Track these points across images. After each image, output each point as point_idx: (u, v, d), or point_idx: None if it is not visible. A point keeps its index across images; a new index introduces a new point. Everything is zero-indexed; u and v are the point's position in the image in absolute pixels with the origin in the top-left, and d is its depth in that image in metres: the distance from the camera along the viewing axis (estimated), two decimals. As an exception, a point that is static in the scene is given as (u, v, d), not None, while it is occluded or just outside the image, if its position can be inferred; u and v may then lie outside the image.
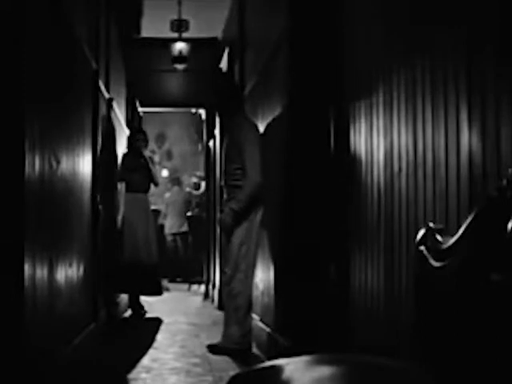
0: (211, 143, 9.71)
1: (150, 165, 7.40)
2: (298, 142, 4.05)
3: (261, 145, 4.96)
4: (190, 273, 11.69)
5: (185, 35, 8.56)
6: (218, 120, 8.19)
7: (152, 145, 9.16)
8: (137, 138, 7.52)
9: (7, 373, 2.75)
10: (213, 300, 8.70)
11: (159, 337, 5.91)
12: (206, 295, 9.56)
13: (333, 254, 3.80)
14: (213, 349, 4.95)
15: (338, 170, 3.78)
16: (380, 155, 3.07)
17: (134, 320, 7.20)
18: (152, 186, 7.57)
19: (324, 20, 3.95)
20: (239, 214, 4.85)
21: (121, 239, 7.11)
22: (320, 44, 3.96)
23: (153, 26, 8.66)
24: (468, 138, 2.13)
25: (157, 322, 6.88)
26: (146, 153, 7.67)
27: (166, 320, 7.07)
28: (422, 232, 1.83)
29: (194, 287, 11.13)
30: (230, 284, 4.94)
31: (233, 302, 4.90)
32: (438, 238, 1.72)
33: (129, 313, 7.46)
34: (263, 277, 5.11)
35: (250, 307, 4.95)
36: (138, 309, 7.36)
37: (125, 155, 7.44)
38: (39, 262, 3.13)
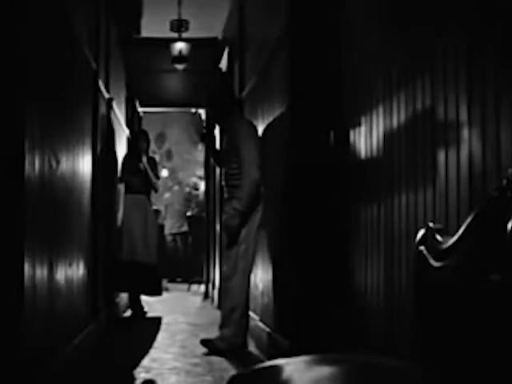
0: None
1: (148, 171, 7.28)
2: (298, 143, 4.05)
3: (258, 143, 4.96)
4: (189, 273, 11.68)
5: (185, 35, 8.55)
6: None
7: (152, 145, 9.16)
8: (138, 140, 7.47)
9: (7, 373, 2.75)
10: (213, 300, 8.70)
11: (159, 337, 5.90)
12: (206, 295, 9.55)
13: (333, 254, 3.80)
14: (206, 344, 4.92)
15: (338, 169, 3.79)
16: (380, 154, 3.07)
17: (134, 320, 7.20)
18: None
19: (324, 19, 3.96)
20: (244, 213, 4.83)
21: (119, 239, 7.10)
22: (320, 43, 3.96)
23: (153, 26, 8.65)
24: (468, 138, 2.13)
25: (157, 322, 6.88)
26: (149, 153, 7.60)
27: (165, 320, 7.07)
28: (421, 232, 1.83)
29: (194, 287, 11.13)
30: (227, 283, 4.95)
31: (230, 301, 4.90)
32: (438, 238, 1.72)
33: (129, 313, 7.46)
34: (263, 277, 5.11)
35: (247, 307, 4.94)
36: (138, 309, 7.35)
37: (126, 157, 7.40)
38: (39, 262, 3.13)
